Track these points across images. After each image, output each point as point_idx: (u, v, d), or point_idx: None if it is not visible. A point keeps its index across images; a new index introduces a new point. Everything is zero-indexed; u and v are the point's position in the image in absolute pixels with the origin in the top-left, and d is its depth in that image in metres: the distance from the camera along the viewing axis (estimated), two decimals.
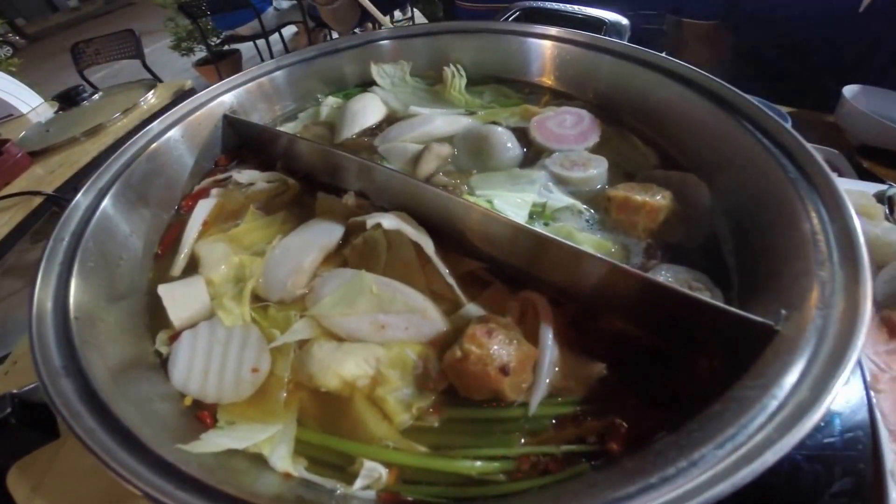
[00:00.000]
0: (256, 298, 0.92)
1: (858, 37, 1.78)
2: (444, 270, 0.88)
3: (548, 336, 0.77)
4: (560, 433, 0.70)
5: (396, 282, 0.88)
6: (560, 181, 1.07)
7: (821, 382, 0.53)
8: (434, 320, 0.83)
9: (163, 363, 0.84)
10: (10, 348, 1.23)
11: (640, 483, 0.49)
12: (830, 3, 1.78)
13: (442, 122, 1.28)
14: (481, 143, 1.18)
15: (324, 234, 0.99)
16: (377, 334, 0.82)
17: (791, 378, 0.55)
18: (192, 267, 1.00)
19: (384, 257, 0.92)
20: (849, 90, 1.48)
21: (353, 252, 0.95)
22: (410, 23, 5.93)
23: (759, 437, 0.50)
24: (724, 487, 0.46)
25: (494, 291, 0.88)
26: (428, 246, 0.90)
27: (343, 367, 0.76)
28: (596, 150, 1.15)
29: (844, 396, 0.69)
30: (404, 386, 0.76)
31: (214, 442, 0.68)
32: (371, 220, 0.92)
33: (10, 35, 13.60)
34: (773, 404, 0.53)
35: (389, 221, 0.91)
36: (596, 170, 1.06)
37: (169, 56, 7.55)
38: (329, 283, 0.89)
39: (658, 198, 0.93)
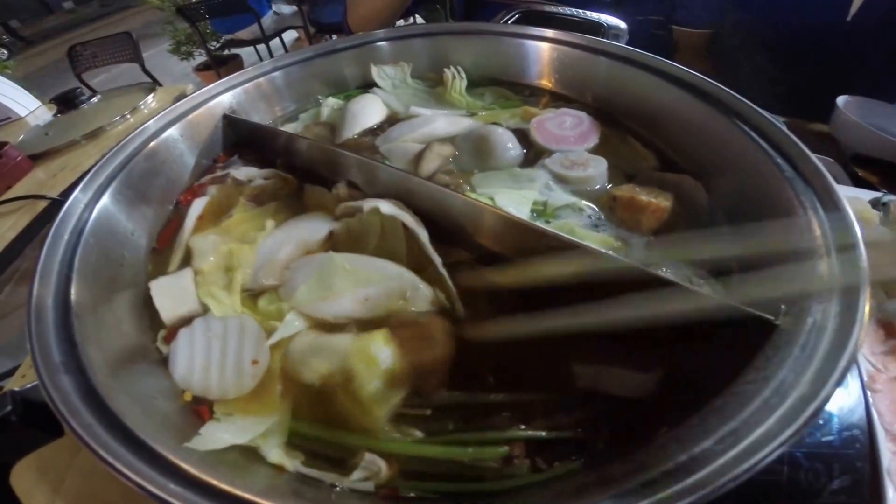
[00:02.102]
0: (246, 289, 0.93)
1: (848, 46, 1.80)
2: (438, 260, 0.88)
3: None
4: (555, 422, 0.70)
5: (366, 257, 0.89)
6: (560, 180, 1.07)
7: (820, 376, 0.54)
8: (412, 281, 0.85)
9: (164, 359, 0.83)
10: (26, 355, 1.23)
11: (641, 478, 0.50)
12: (819, 13, 1.79)
13: (443, 122, 1.29)
14: (482, 144, 1.18)
15: (307, 230, 1.00)
16: (362, 309, 0.83)
17: (791, 371, 0.56)
18: (188, 262, 0.99)
19: (374, 243, 0.93)
20: (842, 100, 1.50)
21: (347, 232, 0.96)
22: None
23: (759, 431, 0.50)
24: (725, 481, 0.46)
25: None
26: (422, 235, 0.90)
27: (314, 364, 0.77)
28: (595, 151, 1.15)
29: (842, 396, 0.70)
30: (374, 379, 0.75)
31: (215, 438, 0.68)
32: (368, 203, 0.94)
33: (5, 37, 13.58)
34: (773, 398, 0.53)
35: (387, 207, 0.92)
36: (595, 170, 1.07)
37: (168, 60, 7.53)
38: (301, 272, 0.89)
39: (661, 199, 0.94)
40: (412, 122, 1.31)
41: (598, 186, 1.07)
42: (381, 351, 0.77)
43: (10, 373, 1.20)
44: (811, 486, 0.58)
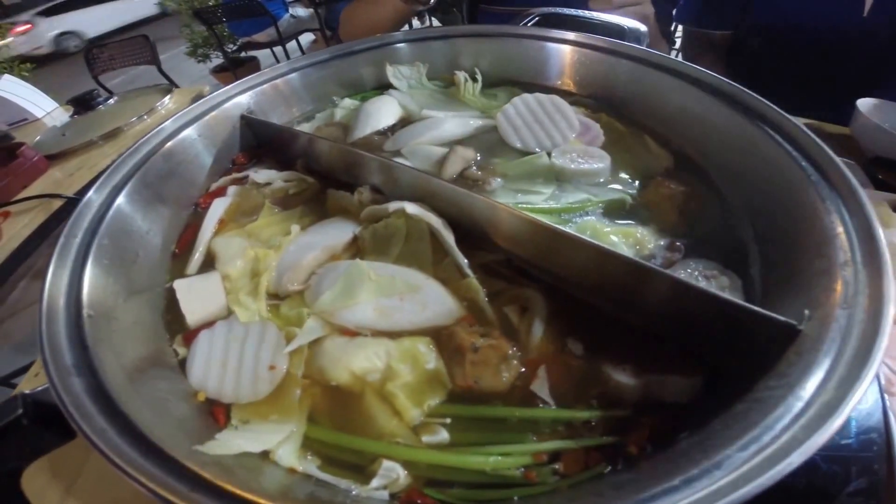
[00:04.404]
0: (270, 294, 0.92)
1: (866, 46, 1.78)
2: (464, 261, 0.88)
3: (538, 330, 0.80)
4: (575, 432, 0.69)
5: (393, 265, 0.89)
6: (567, 175, 1.09)
7: (846, 382, 0.53)
8: (439, 295, 0.85)
9: (181, 362, 0.83)
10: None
11: (663, 484, 0.49)
12: (837, 11, 1.78)
13: (452, 124, 1.29)
14: (494, 143, 1.21)
15: (332, 235, 0.99)
16: (384, 320, 0.82)
17: (816, 378, 0.55)
18: (209, 264, 1.00)
19: (399, 248, 0.93)
20: (863, 103, 1.49)
21: (372, 236, 0.96)
22: None
23: (784, 438, 0.49)
24: (749, 489, 0.45)
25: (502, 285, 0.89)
26: (449, 238, 0.90)
27: (353, 361, 0.76)
28: (609, 149, 1.15)
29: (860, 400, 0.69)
30: (415, 381, 0.76)
31: (231, 444, 0.67)
32: (394, 205, 0.94)
33: None
34: (798, 405, 0.53)
35: (414, 208, 0.92)
36: (601, 163, 1.09)
37: (185, 63, 7.60)
38: (326, 278, 0.89)
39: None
40: (421, 125, 1.31)
41: (602, 180, 1.09)
42: (427, 353, 0.78)
43: (24, 369, 1.19)
44: (828, 489, 0.58)
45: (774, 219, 0.86)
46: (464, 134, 1.29)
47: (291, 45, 6.71)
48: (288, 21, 6.88)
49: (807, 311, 0.64)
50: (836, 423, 0.48)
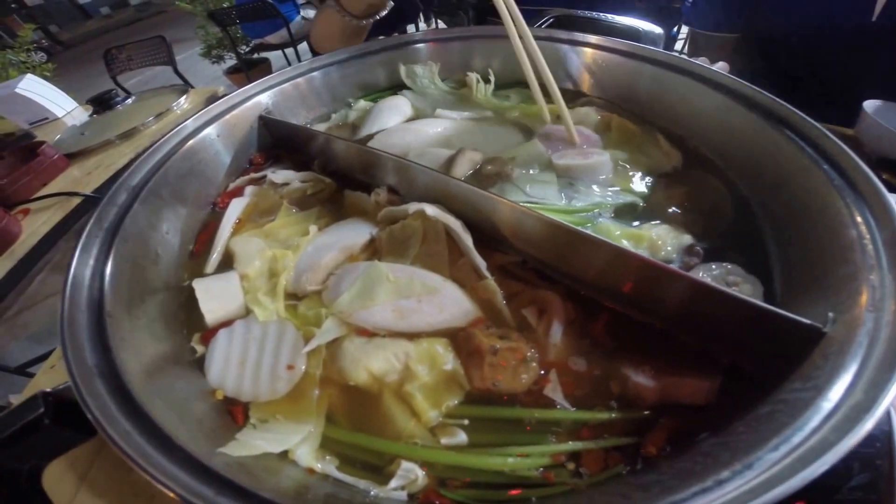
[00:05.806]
0: (288, 294, 0.92)
1: (873, 48, 1.77)
2: (482, 264, 0.88)
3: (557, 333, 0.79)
4: (594, 433, 0.69)
5: (411, 267, 0.89)
6: (571, 172, 1.10)
7: (875, 385, 0.52)
8: (457, 298, 0.84)
9: (199, 361, 0.83)
10: (56, 343, 1.25)
11: (694, 486, 0.49)
12: (845, 13, 1.76)
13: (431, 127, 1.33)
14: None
15: (350, 235, 1.00)
16: (402, 322, 0.82)
17: (844, 381, 0.54)
18: (227, 264, 1.00)
19: (416, 249, 0.93)
20: (869, 105, 1.49)
21: (389, 237, 0.96)
22: None
23: (814, 439, 0.49)
24: (782, 490, 0.44)
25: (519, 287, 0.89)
26: (467, 239, 0.90)
27: (372, 362, 0.76)
28: (617, 144, 1.18)
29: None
30: (432, 382, 0.75)
31: (251, 444, 0.67)
32: (413, 206, 0.94)
33: (44, 41, 13.80)
34: (827, 407, 0.52)
35: (433, 210, 0.92)
36: (599, 157, 1.10)
37: (201, 63, 7.62)
38: (345, 279, 0.89)
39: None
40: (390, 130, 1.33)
41: (603, 177, 1.09)
42: (445, 355, 0.78)
43: (41, 358, 1.20)
44: (831, 484, 0.57)
45: (795, 222, 0.85)
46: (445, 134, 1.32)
47: (303, 46, 6.69)
48: (299, 23, 6.88)
49: (831, 314, 0.63)
50: (867, 424, 0.48)
